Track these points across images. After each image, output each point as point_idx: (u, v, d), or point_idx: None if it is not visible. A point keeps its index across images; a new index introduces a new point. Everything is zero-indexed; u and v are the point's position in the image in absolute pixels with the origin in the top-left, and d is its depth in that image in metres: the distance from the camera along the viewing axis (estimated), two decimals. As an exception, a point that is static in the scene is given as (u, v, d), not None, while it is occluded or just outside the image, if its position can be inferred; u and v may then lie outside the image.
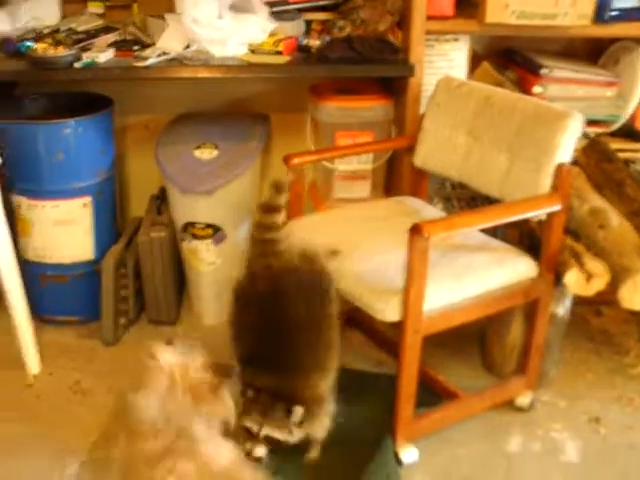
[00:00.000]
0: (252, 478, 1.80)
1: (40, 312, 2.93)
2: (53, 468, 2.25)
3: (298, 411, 2.10)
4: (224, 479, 1.76)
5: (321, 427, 2.20)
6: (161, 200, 3.05)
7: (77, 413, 2.50)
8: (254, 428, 2.11)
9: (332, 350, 2.20)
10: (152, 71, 2.68)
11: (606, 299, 2.95)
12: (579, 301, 2.63)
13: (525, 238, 2.54)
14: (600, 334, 2.96)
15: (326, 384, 2.19)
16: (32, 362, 2.67)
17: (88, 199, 2.83)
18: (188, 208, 2.83)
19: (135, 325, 2.99)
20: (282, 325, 2.16)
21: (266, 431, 2.11)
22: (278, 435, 2.12)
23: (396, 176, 2.95)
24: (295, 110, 3.16)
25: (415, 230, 1.97)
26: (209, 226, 2.83)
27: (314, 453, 2.26)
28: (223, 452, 1.82)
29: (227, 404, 1.89)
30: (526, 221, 2.50)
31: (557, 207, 2.23)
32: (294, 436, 2.14)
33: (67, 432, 2.40)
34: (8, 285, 2.55)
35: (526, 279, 2.30)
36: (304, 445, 2.23)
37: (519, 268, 2.29)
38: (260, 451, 2.10)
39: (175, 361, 1.89)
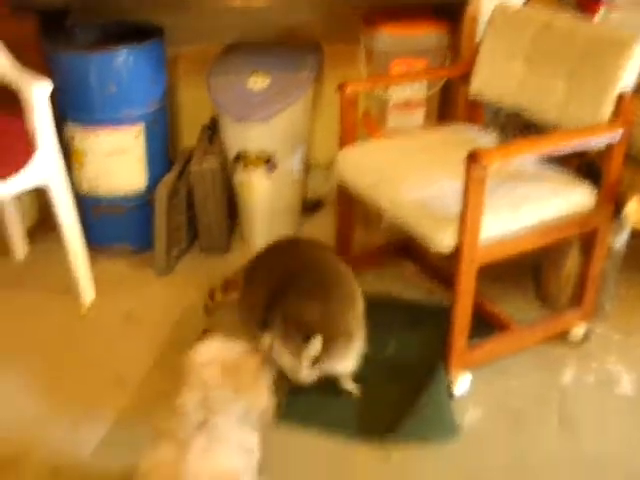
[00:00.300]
0: None
1: (93, 242, 2.94)
2: (110, 394, 2.29)
3: (317, 341, 2.04)
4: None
5: (348, 363, 2.17)
6: (213, 130, 3.03)
7: (130, 341, 2.53)
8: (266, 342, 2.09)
9: (353, 287, 2.21)
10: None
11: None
12: (636, 234, 2.58)
13: (583, 168, 2.47)
14: (657, 268, 2.91)
15: (352, 319, 2.17)
16: (86, 292, 2.71)
17: (140, 128, 2.82)
18: (240, 137, 2.82)
19: (187, 254, 3.01)
20: (298, 267, 2.21)
21: (277, 352, 2.09)
22: (286, 360, 2.09)
23: (450, 104, 2.89)
24: (347, 41, 3.09)
25: (472, 158, 1.93)
26: (262, 155, 2.81)
27: (353, 390, 2.26)
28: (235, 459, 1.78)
29: (266, 394, 1.86)
30: (585, 151, 2.44)
31: (617, 135, 2.17)
32: (302, 367, 2.08)
33: (120, 360, 2.45)
34: (64, 217, 2.58)
35: (584, 209, 2.25)
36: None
37: (577, 198, 2.23)
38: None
39: (214, 353, 1.88)
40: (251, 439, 1.78)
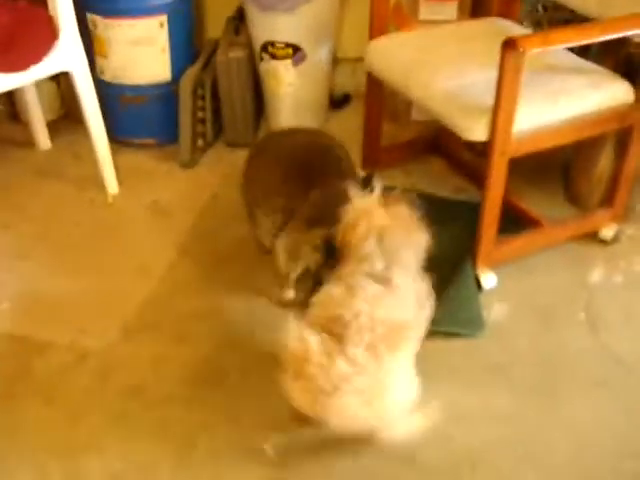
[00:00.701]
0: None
1: (119, 134, 2.93)
2: (137, 282, 2.31)
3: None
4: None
5: None
6: (239, 20, 2.95)
7: (156, 231, 2.54)
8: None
9: None
10: None
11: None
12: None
13: (622, 63, 2.40)
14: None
15: None
16: (111, 182, 2.70)
17: (164, 18, 2.74)
18: (267, 27, 2.75)
19: (212, 148, 2.97)
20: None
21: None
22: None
23: (485, -3, 2.79)
24: None
25: (509, 44, 1.86)
26: (288, 45, 2.75)
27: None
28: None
29: (425, 234, 1.87)
30: (624, 46, 2.36)
31: (662, 25, 2.08)
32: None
33: (147, 249, 2.46)
34: (87, 106, 2.55)
35: (621, 104, 2.18)
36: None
37: (615, 92, 2.16)
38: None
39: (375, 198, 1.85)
40: (425, 292, 1.81)
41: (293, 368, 1.60)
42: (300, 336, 1.59)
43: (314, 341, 1.58)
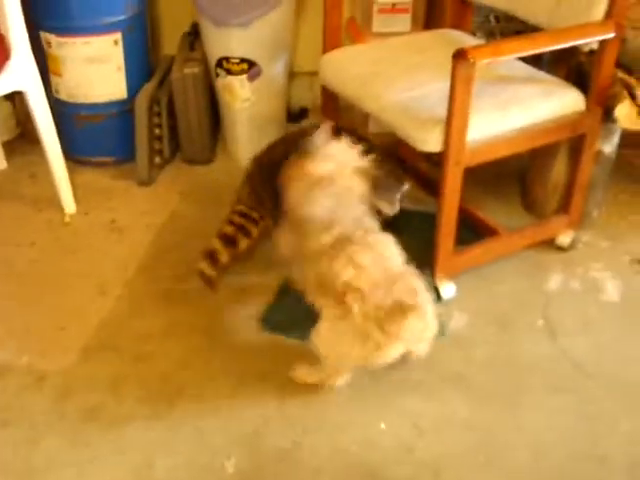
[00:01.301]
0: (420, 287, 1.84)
1: (75, 153, 2.92)
2: (94, 302, 2.28)
3: None
4: (396, 277, 1.82)
5: None
6: (194, 36, 2.95)
7: (114, 250, 2.51)
8: None
9: None
10: None
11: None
12: (625, 143, 2.54)
13: (573, 72, 2.43)
14: (645, 177, 2.89)
15: None
16: (68, 202, 2.68)
17: (119, 35, 2.74)
18: (222, 42, 2.73)
19: (170, 165, 2.96)
20: None
21: None
22: None
23: (438, 9, 2.81)
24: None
25: (460, 55, 1.87)
26: (244, 61, 2.74)
27: None
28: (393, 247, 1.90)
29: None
30: (574, 55, 2.40)
31: (610, 35, 2.11)
32: None
33: (105, 268, 2.43)
34: (42, 125, 2.53)
35: (573, 112, 2.21)
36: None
37: (566, 100, 2.19)
38: None
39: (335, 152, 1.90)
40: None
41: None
42: None
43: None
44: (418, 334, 1.79)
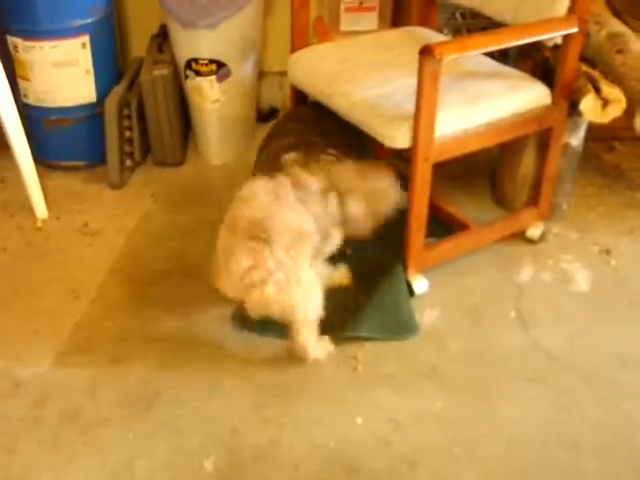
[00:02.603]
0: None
1: (46, 158, 2.91)
2: (68, 306, 2.28)
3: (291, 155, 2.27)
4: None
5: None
6: (162, 38, 2.95)
7: (87, 253, 2.50)
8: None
9: None
10: None
11: (619, 135, 2.92)
12: (591, 137, 2.58)
13: (538, 68, 2.46)
14: (612, 169, 2.92)
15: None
16: (39, 206, 2.67)
17: (86, 38, 2.73)
18: (190, 44, 2.74)
19: (141, 167, 2.96)
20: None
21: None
22: None
23: (404, 7, 2.84)
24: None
25: (426, 51, 1.89)
26: (212, 62, 2.75)
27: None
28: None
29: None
30: (539, 50, 2.43)
31: (573, 29, 2.14)
32: None
33: (78, 272, 2.42)
34: (11, 130, 2.52)
35: (540, 106, 2.24)
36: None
37: (533, 94, 2.22)
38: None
39: None
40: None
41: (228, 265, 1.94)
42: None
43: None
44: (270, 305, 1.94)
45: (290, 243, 1.93)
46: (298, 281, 1.94)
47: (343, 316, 2.16)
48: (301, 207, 2.04)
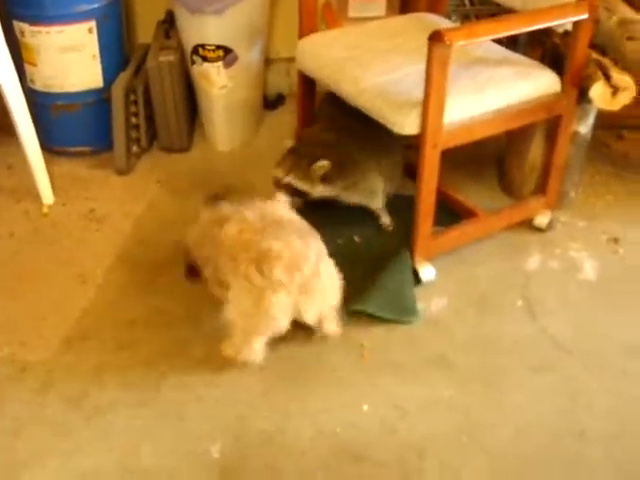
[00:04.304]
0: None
1: (52, 144, 2.90)
2: (75, 292, 2.28)
3: (321, 163, 2.27)
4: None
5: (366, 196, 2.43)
6: (169, 24, 2.93)
7: (93, 239, 2.50)
8: (280, 175, 2.33)
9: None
10: None
11: (628, 123, 2.90)
12: (600, 125, 2.57)
13: (547, 55, 2.44)
14: (621, 158, 2.90)
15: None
16: (45, 192, 2.66)
17: (93, 23, 2.72)
18: (197, 30, 2.73)
19: (147, 153, 2.95)
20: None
21: (289, 179, 2.31)
22: (300, 185, 2.32)
23: (413, -7, 2.82)
24: None
25: (436, 37, 1.88)
26: (219, 48, 2.73)
27: (386, 221, 2.50)
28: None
29: None
30: (549, 37, 2.41)
31: (584, 15, 2.12)
32: (315, 188, 2.32)
33: (84, 258, 2.42)
34: (17, 116, 2.51)
35: (549, 93, 2.22)
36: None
37: (542, 81, 2.21)
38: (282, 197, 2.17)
39: None
40: None
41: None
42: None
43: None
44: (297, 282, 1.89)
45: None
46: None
47: (346, 298, 2.16)
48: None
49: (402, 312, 2.16)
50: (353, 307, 2.13)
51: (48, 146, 2.84)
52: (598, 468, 1.78)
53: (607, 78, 2.24)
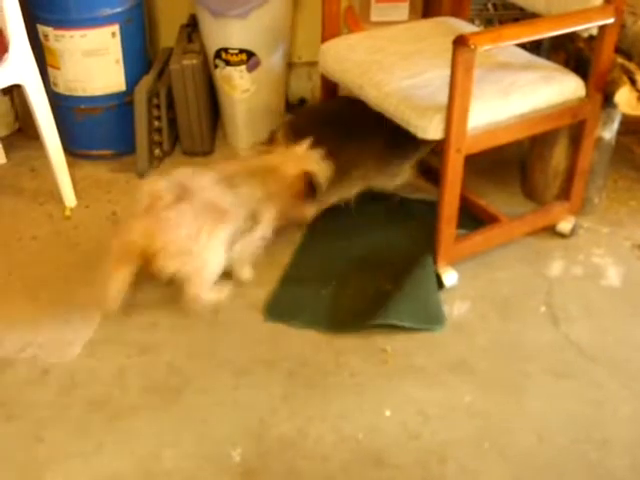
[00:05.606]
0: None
1: (75, 147, 2.92)
2: (97, 295, 2.27)
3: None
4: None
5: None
6: (192, 28, 2.95)
7: (115, 242, 2.51)
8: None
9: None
10: None
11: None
12: (624, 130, 2.55)
13: (572, 59, 2.43)
14: (645, 163, 2.89)
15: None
16: (68, 195, 2.67)
17: (116, 27, 2.73)
18: (220, 33, 2.74)
19: (169, 157, 2.96)
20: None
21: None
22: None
23: (436, -3, 2.82)
24: None
25: (460, 41, 1.87)
26: (242, 51, 2.74)
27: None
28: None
29: None
30: (573, 41, 2.39)
31: (610, 20, 2.11)
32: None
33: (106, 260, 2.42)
34: (40, 119, 2.52)
35: (573, 99, 2.21)
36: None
37: (566, 87, 2.19)
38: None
39: None
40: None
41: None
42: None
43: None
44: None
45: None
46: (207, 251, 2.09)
47: (369, 305, 2.17)
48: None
49: (428, 320, 2.14)
50: (379, 320, 2.11)
51: (71, 149, 2.87)
52: (622, 477, 1.76)
53: (632, 83, 2.22)
